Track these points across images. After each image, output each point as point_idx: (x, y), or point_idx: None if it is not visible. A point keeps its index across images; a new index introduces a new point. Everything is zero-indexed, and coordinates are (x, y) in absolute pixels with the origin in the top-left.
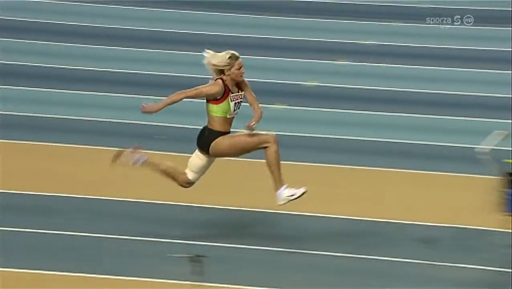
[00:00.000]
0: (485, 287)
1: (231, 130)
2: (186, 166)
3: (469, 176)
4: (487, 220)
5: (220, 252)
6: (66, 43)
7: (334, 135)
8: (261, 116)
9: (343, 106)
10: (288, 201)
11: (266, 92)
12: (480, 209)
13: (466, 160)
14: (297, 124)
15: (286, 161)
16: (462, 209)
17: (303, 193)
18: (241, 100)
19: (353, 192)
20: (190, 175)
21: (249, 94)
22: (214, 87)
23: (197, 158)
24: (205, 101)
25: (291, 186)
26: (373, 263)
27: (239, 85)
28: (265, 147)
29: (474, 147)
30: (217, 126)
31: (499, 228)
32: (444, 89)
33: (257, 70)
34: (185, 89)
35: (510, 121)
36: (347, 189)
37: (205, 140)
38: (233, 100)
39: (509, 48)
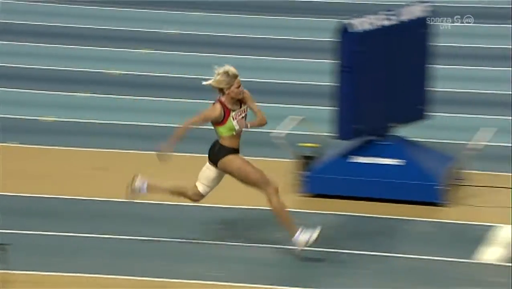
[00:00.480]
0: (276, 266)
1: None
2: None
3: (266, 160)
4: (285, 201)
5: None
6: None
7: (136, 122)
8: (262, 124)
9: (139, 94)
10: (306, 245)
11: (67, 80)
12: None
13: (263, 145)
14: (100, 112)
15: (88, 148)
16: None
17: (319, 233)
18: (245, 114)
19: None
20: (201, 188)
21: (252, 105)
22: (213, 112)
23: (208, 170)
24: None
25: (304, 228)
26: (155, 244)
27: (241, 100)
28: (266, 192)
29: (270, 132)
30: (226, 143)
31: (295, 208)
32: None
33: (58, 58)
34: (190, 117)
35: (305, 107)
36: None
37: (215, 154)
38: (236, 118)
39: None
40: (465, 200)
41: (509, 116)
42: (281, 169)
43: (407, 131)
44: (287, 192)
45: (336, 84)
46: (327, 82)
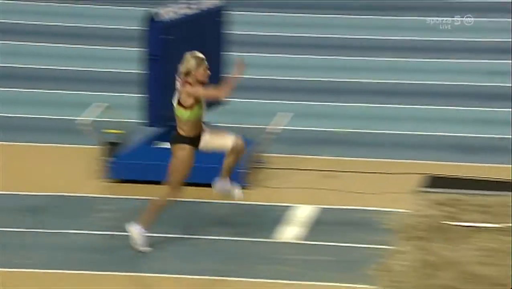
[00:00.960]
0: (88, 250)
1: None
2: None
3: (71, 147)
4: (90, 187)
5: None
6: None
7: None
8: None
9: None
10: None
11: None
12: (83, 177)
13: (68, 131)
14: None
15: None
16: (65, 178)
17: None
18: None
19: None
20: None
21: None
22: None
23: None
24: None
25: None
26: None
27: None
28: (167, 190)
29: (75, 119)
30: (184, 131)
31: (100, 194)
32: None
33: None
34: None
35: (114, 94)
36: None
37: (172, 141)
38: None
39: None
40: (265, 182)
41: (304, 101)
42: (86, 156)
43: (209, 117)
44: (92, 178)
45: (144, 72)
46: (135, 69)
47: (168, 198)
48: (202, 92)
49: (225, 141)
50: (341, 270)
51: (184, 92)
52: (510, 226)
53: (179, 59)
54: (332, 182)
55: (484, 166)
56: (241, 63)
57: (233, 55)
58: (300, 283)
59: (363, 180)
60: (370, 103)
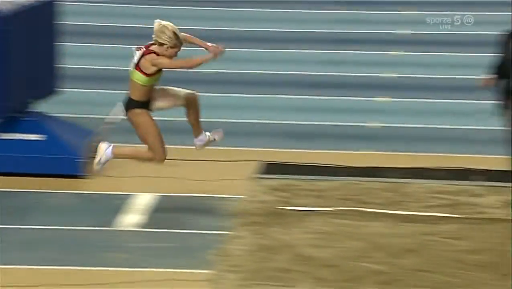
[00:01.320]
0: None
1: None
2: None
3: None
4: None
5: None
6: None
7: None
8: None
9: None
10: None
11: None
12: None
13: None
14: None
15: None
16: None
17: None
18: None
19: None
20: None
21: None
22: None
23: None
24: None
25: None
26: None
27: None
28: (151, 156)
29: None
30: (137, 96)
31: None
32: None
33: None
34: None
35: None
36: None
37: (126, 106)
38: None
39: None
40: (104, 172)
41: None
42: None
43: (47, 107)
44: None
45: None
46: None
47: (154, 161)
48: (167, 63)
49: (177, 97)
50: (181, 256)
51: (149, 60)
52: (341, 209)
53: (16, 49)
54: (173, 170)
55: (316, 152)
56: (221, 50)
57: (67, 45)
58: (141, 270)
59: (202, 168)
60: (208, 92)
